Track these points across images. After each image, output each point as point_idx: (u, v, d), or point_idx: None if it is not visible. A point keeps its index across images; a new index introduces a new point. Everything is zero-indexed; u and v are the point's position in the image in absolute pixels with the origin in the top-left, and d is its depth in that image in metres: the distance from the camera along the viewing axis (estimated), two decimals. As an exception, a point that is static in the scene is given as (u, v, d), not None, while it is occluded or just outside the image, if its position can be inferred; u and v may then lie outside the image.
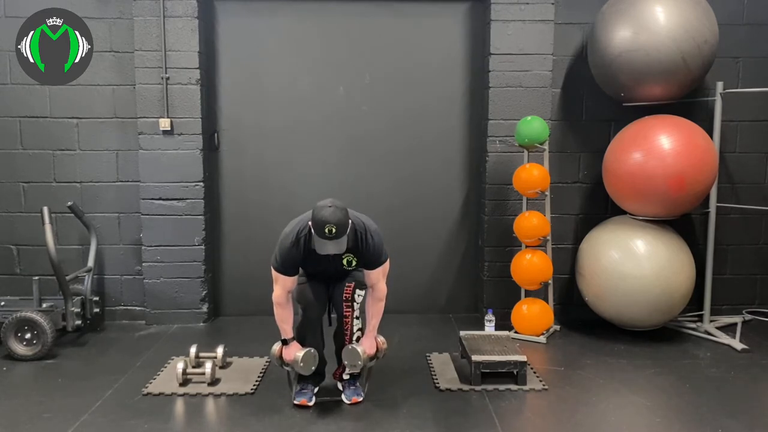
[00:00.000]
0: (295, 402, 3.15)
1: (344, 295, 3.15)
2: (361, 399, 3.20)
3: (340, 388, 3.29)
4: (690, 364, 3.73)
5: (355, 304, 3.17)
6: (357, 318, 3.19)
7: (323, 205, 2.90)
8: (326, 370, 3.34)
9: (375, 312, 3.17)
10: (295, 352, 3.07)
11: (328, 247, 2.89)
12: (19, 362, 3.73)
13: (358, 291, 3.18)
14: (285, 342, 3.13)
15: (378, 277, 3.13)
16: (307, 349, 3.09)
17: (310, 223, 2.95)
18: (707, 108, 4.34)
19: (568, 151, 4.52)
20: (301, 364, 3.05)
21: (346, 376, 3.24)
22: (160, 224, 4.39)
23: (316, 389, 3.27)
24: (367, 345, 3.15)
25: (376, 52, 4.55)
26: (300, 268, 3.15)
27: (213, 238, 4.61)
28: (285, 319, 3.10)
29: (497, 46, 4.33)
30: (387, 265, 3.17)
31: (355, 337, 3.19)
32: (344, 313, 3.17)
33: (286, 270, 3.04)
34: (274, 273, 3.07)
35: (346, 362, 3.12)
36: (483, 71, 4.50)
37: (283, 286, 3.07)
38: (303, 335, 3.19)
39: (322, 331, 3.27)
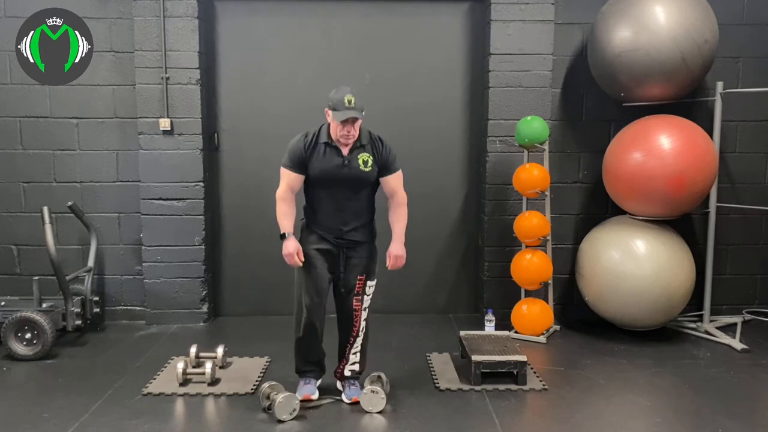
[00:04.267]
0: (299, 397, 3.13)
1: (356, 288, 3.16)
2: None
3: (340, 388, 3.29)
4: (690, 364, 3.73)
5: (365, 297, 3.19)
6: (365, 309, 3.21)
7: (341, 87, 3.06)
8: (327, 372, 3.35)
9: (400, 216, 3.21)
10: (281, 393, 3.03)
11: (347, 113, 2.97)
12: (19, 362, 3.73)
13: (368, 282, 3.20)
14: (283, 236, 3.10)
15: (397, 184, 3.19)
16: (289, 394, 3.04)
17: (320, 126, 3.11)
18: (707, 108, 4.34)
19: (568, 151, 4.52)
20: (281, 400, 2.99)
21: (347, 373, 3.25)
22: (160, 224, 4.39)
23: (318, 382, 3.29)
24: (397, 248, 3.18)
25: (376, 52, 4.55)
26: (313, 189, 3.16)
27: (213, 238, 4.61)
28: (286, 214, 3.11)
29: (497, 46, 4.33)
30: (401, 174, 3.22)
31: (362, 328, 3.20)
32: (354, 307, 3.18)
33: (293, 165, 3.09)
34: (281, 171, 3.12)
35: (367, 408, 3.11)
36: (483, 71, 4.50)
37: (288, 183, 3.11)
38: (304, 325, 3.18)
39: (323, 317, 3.22)
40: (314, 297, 3.13)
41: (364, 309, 3.20)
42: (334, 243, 3.15)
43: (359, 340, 3.23)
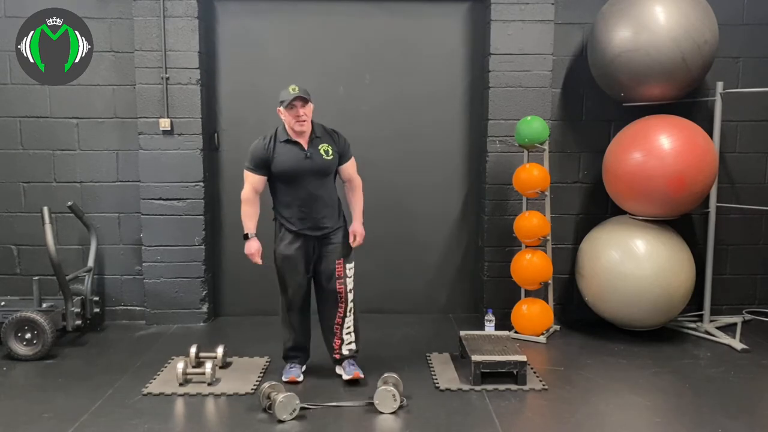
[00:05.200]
0: (285, 379, 3.32)
1: (337, 272, 3.29)
2: (362, 375, 3.30)
3: (340, 372, 3.40)
4: (690, 364, 3.73)
5: (348, 279, 3.32)
6: (351, 291, 3.32)
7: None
8: (314, 362, 3.40)
9: (359, 198, 3.48)
10: (281, 393, 3.03)
11: (295, 101, 3.15)
12: (19, 362, 3.73)
13: (348, 265, 3.34)
14: (246, 237, 3.28)
15: (353, 170, 3.45)
16: (290, 394, 3.04)
17: (276, 128, 3.30)
18: (707, 108, 4.34)
19: (568, 151, 4.52)
20: (281, 400, 3.00)
21: (345, 352, 3.35)
22: (160, 224, 4.39)
23: (303, 367, 3.51)
24: (359, 226, 3.43)
25: (376, 52, 4.55)
26: (283, 188, 3.29)
27: (213, 238, 4.61)
28: (250, 216, 3.30)
29: (497, 46, 4.33)
30: (354, 160, 3.45)
31: (349, 309, 3.31)
32: (338, 290, 3.30)
33: (256, 167, 3.26)
34: (245, 174, 3.30)
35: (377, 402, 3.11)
36: (483, 71, 4.50)
37: (252, 185, 3.29)
38: (289, 321, 3.40)
39: (307, 311, 3.44)
40: (295, 296, 3.35)
41: (350, 291, 3.33)
42: (309, 236, 3.28)
43: (349, 320, 3.35)
